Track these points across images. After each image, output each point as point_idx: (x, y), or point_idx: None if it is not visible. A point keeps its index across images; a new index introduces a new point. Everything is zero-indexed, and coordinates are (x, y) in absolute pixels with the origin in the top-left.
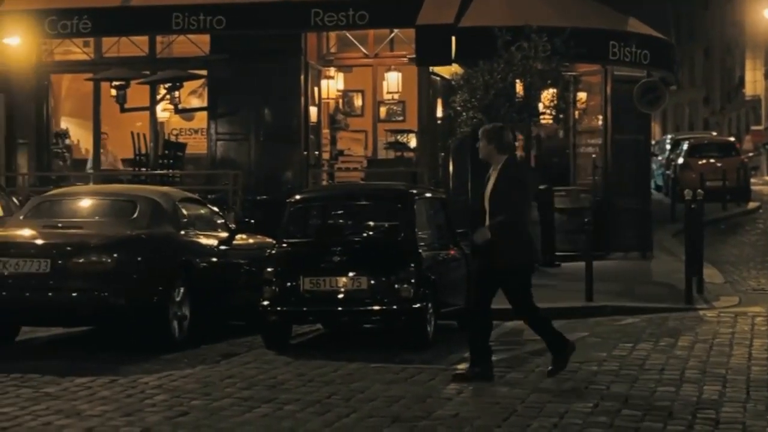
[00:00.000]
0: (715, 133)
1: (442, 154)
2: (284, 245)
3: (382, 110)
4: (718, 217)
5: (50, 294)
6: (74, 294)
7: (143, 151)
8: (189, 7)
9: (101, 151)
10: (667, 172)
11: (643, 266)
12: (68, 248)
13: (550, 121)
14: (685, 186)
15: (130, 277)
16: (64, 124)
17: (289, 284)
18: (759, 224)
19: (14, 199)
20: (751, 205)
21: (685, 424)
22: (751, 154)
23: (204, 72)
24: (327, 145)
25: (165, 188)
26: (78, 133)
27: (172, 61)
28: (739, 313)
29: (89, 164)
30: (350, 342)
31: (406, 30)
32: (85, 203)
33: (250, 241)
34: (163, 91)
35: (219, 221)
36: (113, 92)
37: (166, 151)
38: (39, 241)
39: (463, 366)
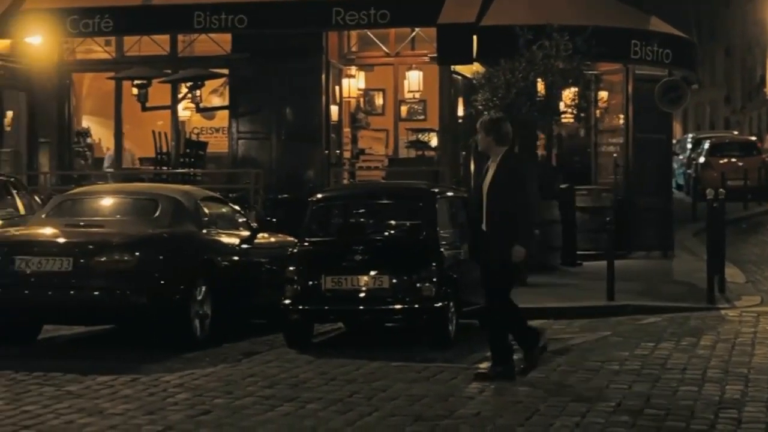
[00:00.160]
0: (736, 132)
1: (464, 153)
2: (306, 244)
3: (403, 109)
4: (739, 217)
5: (72, 292)
6: (96, 293)
7: (164, 149)
8: (210, 6)
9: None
10: (688, 171)
11: (665, 265)
12: (90, 247)
13: (572, 120)
14: (707, 185)
15: (152, 275)
16: (86, 122)
17: (310, 283)
18: None
19: (36, 198)
20: None
21: (708, 423)
22: None
23: (225, 71)
24: (348, 144)
25: (187, 187)
26: (99, 132)
27: (193, 60)
28: (761, 312)
29: (106, 162)
30: (372, 341)
31: (428, 29)
32: (107, 202)
33: (272, 239)
34: (184, 90)
35: (241, 220)
36: (134, 91)
37: (188, 150)
38: (61, 240)
39: (485, 365)
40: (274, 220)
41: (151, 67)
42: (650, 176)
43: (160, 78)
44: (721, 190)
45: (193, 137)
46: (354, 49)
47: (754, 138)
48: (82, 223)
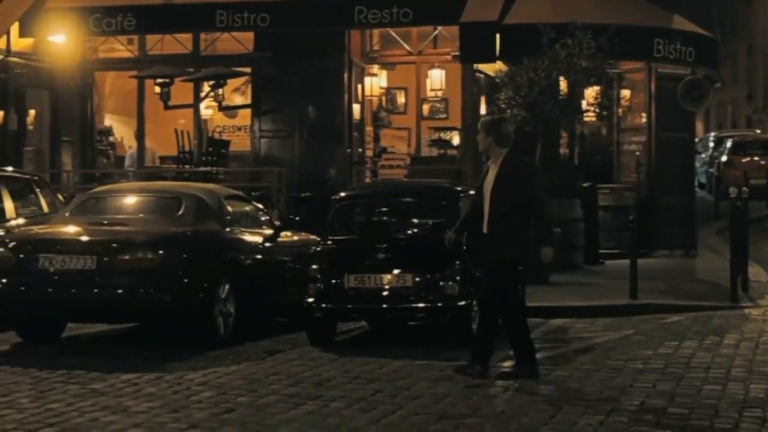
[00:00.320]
0: (758, 131)
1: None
2: (329, 242)
3: (425, 107)
4: (762, 215)
5: (96, 291)
6: (120, 291)
7: (187, 148)
8: (233, 5)
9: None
10: (711, 169)
11: (688, 264)
12: (114, 245)
13: (594, 119)
14: (729, 184)
15: (176, 274)
16: (108, 121)
17: (334, 281)
18: None
19: (59, 196)
20: None
21: (732, 422)
22: None
23: (248, 69)
24: (370, 142)
25: (210, 185)
26: (121, 131)
27: (215, 59)
28: None
29: (127, 161)
30: (395, 339)
31: (450, 27)
32: (131, 200)
33: (295, 238)
34: (206, 89)
35: (264, 218)
36: (157, 90)
37: (210, 149)
38: (85, 238)
39: (508, 364)
40: (297, 218)
41: (173, 65)
42: (673, 175)
43: (182, 77)
44: (744, 188)
45: (216, 136)
46: (376, 47)
47: None
48: (105, 222)
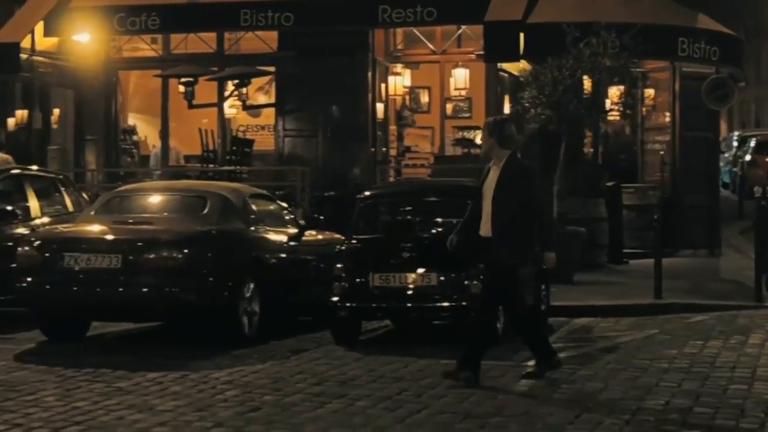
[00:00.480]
0: None
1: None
2: (354, 242)
3: (449, 107)
4: None
5: (121, 290)
6: (145, 290)
7: (211, 147)
8: (257, 4)
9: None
10: (734, 169)
11: (712, 263)
12: (139, 244)
13: (618, 118)
14: (753, 183)
15: (201, 273)
16: (132, 120)
17: (358, 280)
18: None
19: (84, 195)
20: None
21: (758, 422)
22: None
23: (272, 68)
24: (394, 141)
25: (235, 184)
26: (145, 130)
27: (239, 58)
28: None
29: (152, 161)
30: (420, 338)
31: (474, 26)
32: (156, 199)
33: (320, 237)
34: (230, 88)
35: (288, 217)
36: (181, 89)
37: (234, 148)
38: (110, 237)
39: (532, 363)
40: (321, 217)
41: (197, 64)
42: (697, 174)
43: (206, 76)
44: None
45: (240, 135)
46: (400, 46)
47: None
48: (130, 220)
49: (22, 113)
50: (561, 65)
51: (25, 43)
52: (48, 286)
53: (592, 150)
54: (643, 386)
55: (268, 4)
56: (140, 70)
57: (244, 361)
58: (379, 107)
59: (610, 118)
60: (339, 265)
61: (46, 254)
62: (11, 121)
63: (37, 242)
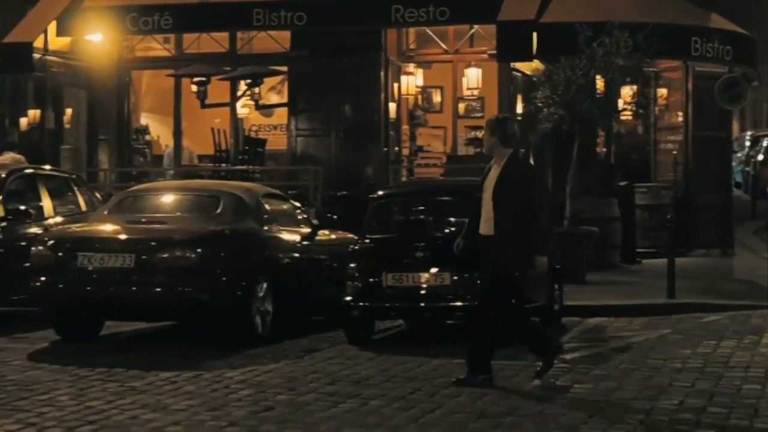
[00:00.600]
0: None
1: (522, 150)
2: (367, 241)
3: (461, 106)
4: None
5: (134, 289)
6: (158, 289)
7: (223, 147)
8: (270, 4)
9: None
10: (747, 168)
11: (725, 263)
12: (152, 243)
13: (631, 118)
14: (766, 183)
15: (214, 272)
16: (144, 120)
17: (372, 280)
18: None
19: (97, 195)
20: None
21: None
22: None
23: (284, 68)
24: (406, 141)
25: (248, 184)
26: (158, 129)
27: (252, 58)
28: None
29: (166, 161)
30: (433, 338)
31: (487, 26)
32: (169, 198)
33: (332, 236)
34: (243, 88)
35: (301, 217)
36: (194, 88)
37: (247, 147)
38: (123, 236)
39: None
40: (334, 217)
41: (210, 64)
42: (710, 174)
43: (219, 75)
44: None
45: (252, 134)
46: (412, 46)
47: None
48: (143, 220)
49: (34, 113)
50: (574, 65)
51: (38, 43)
52: (61, 286)
53: (604, 150)
54: (657, 386)
55: (281, 3)
56: (153, 69)
57: (257, 361)
58: (392, 107)
59: (622, 117)
60: (352, 265)
61: (60, 254)
62: (24, 121)
63: (51, 242)
